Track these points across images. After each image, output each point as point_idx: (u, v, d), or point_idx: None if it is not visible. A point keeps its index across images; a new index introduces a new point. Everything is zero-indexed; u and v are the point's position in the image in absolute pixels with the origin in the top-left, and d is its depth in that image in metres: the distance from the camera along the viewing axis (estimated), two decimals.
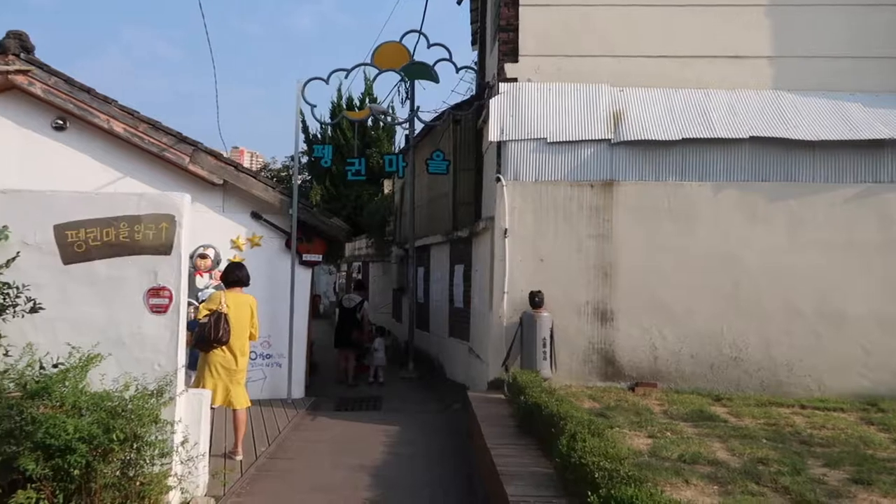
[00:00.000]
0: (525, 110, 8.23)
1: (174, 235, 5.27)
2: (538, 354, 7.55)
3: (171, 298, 5.22)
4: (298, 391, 9.50)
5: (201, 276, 9.07)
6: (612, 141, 7.95)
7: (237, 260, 9.18)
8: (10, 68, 8.40)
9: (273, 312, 9.38)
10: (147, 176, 8.89)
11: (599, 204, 7.91)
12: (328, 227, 9.43)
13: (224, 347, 6.41)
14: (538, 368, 7.48)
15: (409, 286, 14.27)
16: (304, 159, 27.21)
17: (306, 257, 9.50)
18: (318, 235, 9.55)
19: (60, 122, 8.65)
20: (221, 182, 9.00)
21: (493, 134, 8.18)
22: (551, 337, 7.63)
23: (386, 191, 20.28)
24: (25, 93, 8.59)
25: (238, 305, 6.50)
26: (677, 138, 7.78)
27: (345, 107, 23.81)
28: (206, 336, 6.32)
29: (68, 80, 8.54)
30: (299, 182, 25.38)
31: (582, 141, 8.01)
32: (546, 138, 8.06)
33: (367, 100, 19.49)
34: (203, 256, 9.04)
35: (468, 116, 11.75)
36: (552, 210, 7.97)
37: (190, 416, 5.34)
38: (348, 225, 22.12)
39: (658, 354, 7.72)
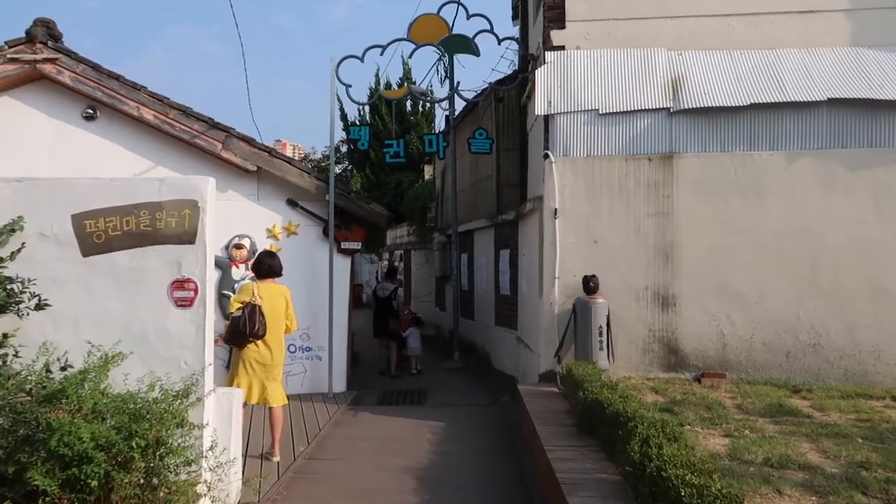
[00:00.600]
0: (574, 80, 7.61)
1: (198, 222, 4.87)
2: (594, 344, 6.97)
3: (196, 291, 4.82)
4: (340, 385, 9.12)
5: (237, 267, 8.77)
6: (672, 109, 7.27)
7: (273, 249, 8.84)
8: (38, 57, 8.14)
9: (312, 303, 9.00)
10: (178, 164, 8.56)
11: (658, 179, 7.26)
12: (367, 213, 8.99)
13: (259, 342, 6.02)
14: (594, 359, 6.91)
15: (451, 273, 13.77)
16: (344, 148, 26.99)
17: (345, 245, 9.07)
18: (356, 222, 9.11)
19: (90, 111, 8.38)
20: (255, 169, 8.62)
21: (539, 107, 7.59)
22: (608, 325, 7.04)
23: (426, 177, 19.79)
24: (54, 82, 8.33)
25: (272, 296, 6.10)
26: (745, 104, 7.06)
27: (382, 90, 23.41)
28: (241, 330, 5.94)
29: (96, 68, 8.25)
30: (338, 171, 25.13)
31: (637, 111, 7.35)
32: (598, 110, 7.42)
33: (405, 82, 18.94)
34: (238, 247, 8.71)
35: (511, 93, 11.15)
36: (606, 187, 7.34)
37: (219, 419, 4.95)
38: (389, 213, 21.92)
39: (726, 342, 7.05)
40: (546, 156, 7.54)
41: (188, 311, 4.80)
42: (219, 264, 8.72)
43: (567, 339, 7.21)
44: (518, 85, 10.76)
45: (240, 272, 8.76)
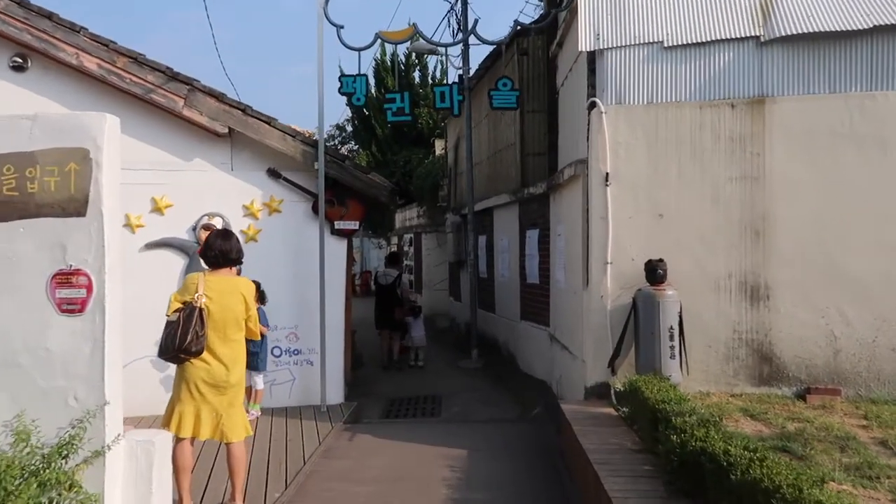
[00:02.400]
0: (629, 5, 5.84)
1: (89, 183, 3.20)
2: (662, 350, 5.27)
3: (90, 288, 3.17)
4: (336, 394, 7.48)
5: None
6: (763, 38, 5.50)
7: (251, 231, 7.19)
8: None
9: (300, 297, 7.35)
10: (131, 126, 6.89)
11: (745, 131, 5.51)
12: (365, 185, 7.30)
13: (208, 355, 4.36)
14: (663, 370, 5.21)
15: (468, 258, 12.07)
16: (349, 128, 25.28)
17: (339, 225, 7.40)
18: (353, 197, 7.43)
19: (19, 59, 6.71)
20: (226, 131, 6.94)
21: (584, 40, 5.83)
22: (680, 325, 5.34)
23: (438, 152, 18.05)
24: None
25: (224, 294, 4.44)
26: (863, 27, 5.28)
27: (388, 63, 21.63)
28: (170, 344, 4.27)
29: (23, 4, 6.58)
30: (345, 151, 23.43)
31: (716, 41, 5.59)
32: (662, 42, 5.67)
33: (411, 40, 16.94)
34: (208, 228, 7.03)
35: (536, 43, 9.38)
36: (674, 144, 5.61)
37: (135, 480, 3.31)
38: (393, 184, 20.16)
39: (840, 346, 5.33)
40: (593, 105, 5.80)
41: (78, 319, 3.16)
42: (184, 249, 7.09)
43: (625, 344, 5.52)
44: (546, 31, 9.00)
45: None
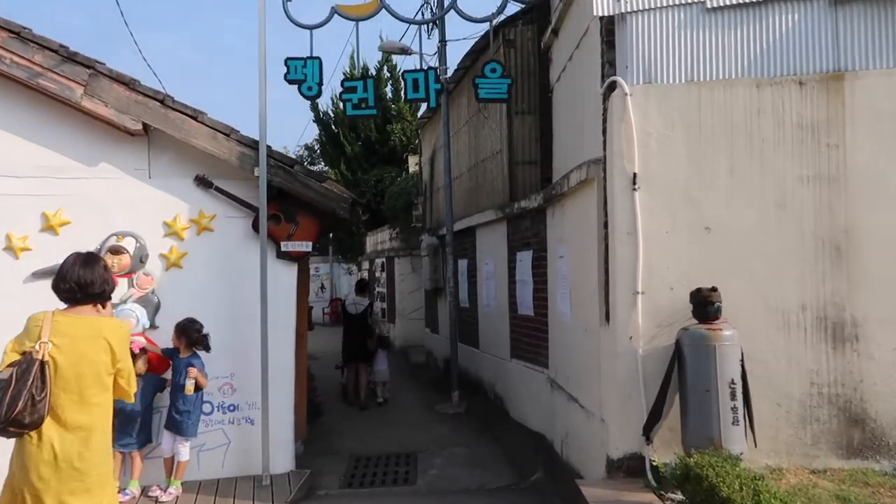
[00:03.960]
0: None
1: None
2: (721, 412, 3.84)
3: None
4: (283, 461, 5.90)
5: (115, 284, 5.50)
6: None
7: (173, 254, 5.68)
8: None
9: (238, 337, 5.81)
10: (13, 120, 5.37)
11: (818, 117, 4.17)
12: (319, 195, 5.81)
13: (54, 426, 2.94)
14: (723, 440, 3.78)
15: (446, 285, 10.60)
16: (314, 142, 23.76)
17: (287, 246, 5.89)
18: (305, 211, 5.93)
19: None
20: (140, 127, 5.42)
21: (599, 3, 4.47)
22: (743, 377, 3.92)
23: (411, 168, 16.65)
24: None
25: (79, 340, 3.05)
26: None
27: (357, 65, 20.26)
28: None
29: None
30: (315, 169, 22.00)
31: (776, 0, 4.27)
32: (704, 1, 4.33)
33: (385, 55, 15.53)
34: (116, 252, 5.51)
35: (525, 33, 8.06)
36: (723, 134, 4.25)
37: None
38: (369, 215, 18.61)
39: None
40: (612, 87, 4.42)
41: None
42: None
43: (665, 401, 4.08)
44: (536, 21, 7.70)
45: (119, 290, 5.53)
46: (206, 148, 5.57)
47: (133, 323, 5.46)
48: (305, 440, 7.00)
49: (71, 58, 5.29)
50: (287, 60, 5.84)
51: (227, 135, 5.63)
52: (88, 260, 3.23)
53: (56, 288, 3.19)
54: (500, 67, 5.94)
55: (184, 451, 5.41)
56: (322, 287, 23.81)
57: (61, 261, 5.35)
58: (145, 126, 5.50)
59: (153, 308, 5.63)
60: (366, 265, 20.29)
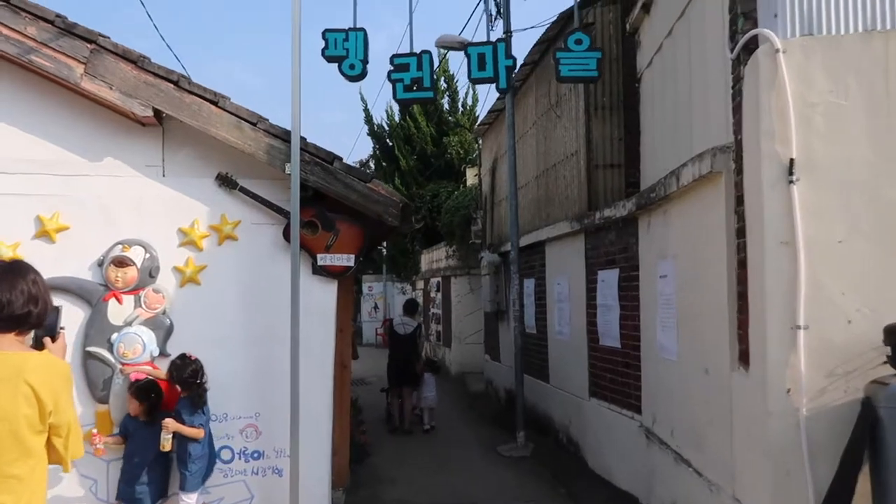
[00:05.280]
0: None
1: None
2: None
3: None
4: None
5: (119, 300, 4.60)
6: None
7: (189, 267, 4.72)
8: None
9: (264, 370, 4.78)
10: (4, 107, 4.51)
11: None
12: (364, 197, 4.76)
13: None
14: None
15: (509, 308, 9.46)
16: (373, 163, 23.00)
17: (324, 259, 4.85)
18: (347, 218, 4.89)
19: None
20: (150, 113, 4.49)
21: None
22: None
23: (469, 181, 15.59)
24: None
25: None
26: None
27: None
28: None
29: None
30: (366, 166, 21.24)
31: None
32: None
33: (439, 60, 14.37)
34: (120, 264, 4.56)
35: (606, 16, 6.93)
36: None
37: None
38: (423, 231, 17.58)
39: None
40: (751, 46, 3.24)
41: None
42: (83, 295, 4.59)
43: (850, 485, 2.81)
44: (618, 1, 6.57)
45: (125, 310, 4.60)
46: (228, 139, 4.59)
47: (138, 350, 4.51)
48: (347, 488, 5.93)
49: (69, 30, 4.40)
50: (325, 33, 4.83)
51: (254, 123, 4.64)
52: (8, 270, 2.25)
53: None
54: (588, 39, 4.79)
55: None
56: (375, 307, 22.90)
57: (61, 273, 4.55)
58: (158, 114, 4.57)
59: (164, 332, 4.66)
60: (421, 285, 19.28)
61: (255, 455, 4.82)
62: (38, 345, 2.55)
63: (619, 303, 5.89)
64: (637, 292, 5.49)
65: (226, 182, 4.78)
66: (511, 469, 7.15)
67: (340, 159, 4.85)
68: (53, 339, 2.55)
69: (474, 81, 5.01)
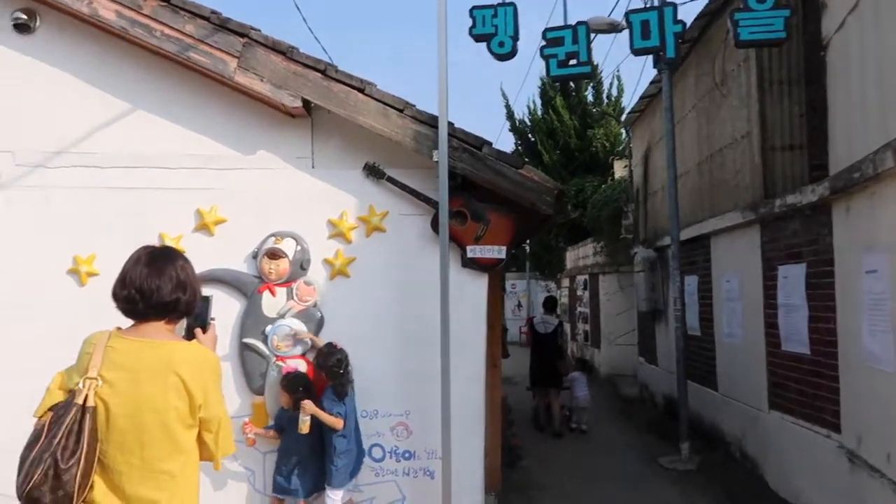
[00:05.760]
0: None
1: None
2: None
3: None
4: None
5: (272, 293, 4.59)
6: None
7: (339, 260, 4.63)
8: None
9: (415, 366, 4.60)
10: (165, 101, 4.64)
11: None
12: (517, 185, 4.43)
13: (109, 499, 1.95)
14: None
15: (668, 307, 8.77)
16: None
17: (474, 251, 4.57)
18: (497, 207, 4.59)
19: (23, 17, 4.71)
20: (299, 104, 4.43)
21: None
22: None
23: (618, 174, 14.83)
24: None
25: (142, 375, 2.02)
26: None
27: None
28: (18, 482, 1.87)
29: None
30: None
31: None
32: None
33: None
34: (273, 256, 4.55)
35: None
36: None
37: None
38: (569, 227, 16.96)
39: None
40: None
41: None
42: (240, 287, 4.62)
43: None
44: None
45: (278, 302, 4.58)
46: (375, 126, 4.43)
47: (289, 343, 4.46)
48: (499, 493, 5.65)
49: (223, 25, 4.44)
50: (473, 11, 4.54)
51: (401, 110, 4.46)
52: (157, 256, 2.15)
53: (114, 296, 2.11)
54: None
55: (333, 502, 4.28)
56: (519, 305, 22.53)
57: (218, 265, 4.61)
58: (306, 106, 4.51)
59: (315, 324, 4.59)
60: (566, 283, 18.69)
61: (407, 455, 4.64)
62: (189, 335, 2.46)
63: (807, 302, 5.12)
64: (831, 290, 4.73)
65: (373, 172, 4.64)
66: (675, 484, 6.52)
67: (490, 144, 4.55)
68: (204, 330, 2.44)
69: (637, 52, 4.49)
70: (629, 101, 21.05)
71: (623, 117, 14.33)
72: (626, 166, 13.26)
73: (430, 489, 4.58)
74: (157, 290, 2.07)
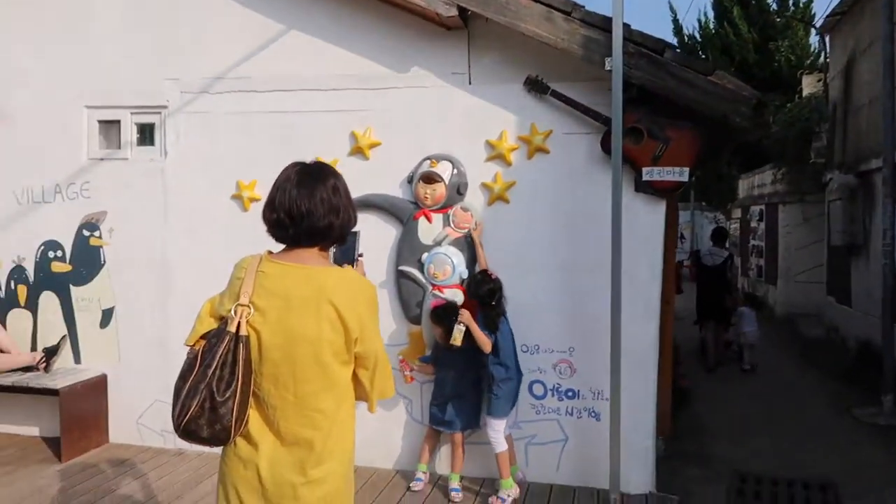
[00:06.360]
0: None
1: None
2: None
3: None
4: (640, 477, 4.23)
5: (428, 219, 4.38)
6: None
7: (497, 184, 4.31)
8: None
9: (580, 300, 4.23)
10: (315, 22, 4.44)
11: None
12: (705, 94, 3.79)
13: (260, 437, 1.83)
14: None
15: (869, 241, 7.62)
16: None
17: (651, 174, 4.03)
18: (679, 122, 3.98)
19: None
20: (455, 13, 4.04)
21: None
22: None
23: (806, 91, 13.08)
24: None
25: (293, 303, 1.83)
26: None
27: None
28: (175, 408, 1.74)
29: None
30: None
31: None
32: None
33: None
34: (429, 180, 4.30)
35: None
36: None
37: None
38: (757, 93, 15.41)
39: None
40: None
41: None
42: (395, 213, 4.45)
43: None
44: None
45: (434, 229, 4.37)
46: (539, 34, 3.95)
47: (448, 271, 4.23)
48: (668, 438, 5.22)
49: None
50: None
51: (568, 13, 3.93)
52: (309, 175, 1.89)
53: (263, 219, 1.91)
54: None
55: (494, 436, 4.07)
56: (681, 237, 21.18)
57: (371, 190, 4.44)
58: (462, 15, 4.11)
59: (473, 253, 4.34)
60: (737, 213, 17.19)
61: (570, 394, 4.33)
62: None
63: None
64: None
65: (535, 86, 4.19)
66: (875, 439, 5.73)
67: (673, 48, 3.92)
68: (352, 267, 2.21)
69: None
70: (824, 5, 18.53)
71: (817, 22, 12.51)
72: (819, 80, 11.61)
73: (594, 431, 4.28)
74: (308, 214, 1.84)
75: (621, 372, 3.86)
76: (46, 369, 4.74)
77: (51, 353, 4.77)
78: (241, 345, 1.77)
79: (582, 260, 4.19)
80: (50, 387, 4.54)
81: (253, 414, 1.83)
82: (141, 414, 4.85)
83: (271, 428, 1.83)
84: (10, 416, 5.07)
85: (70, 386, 4.60)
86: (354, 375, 1.91)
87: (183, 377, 1.78)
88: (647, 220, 4.12)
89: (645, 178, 4.04)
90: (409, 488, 4.23)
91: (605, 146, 4.02)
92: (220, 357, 1.74)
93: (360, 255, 2.36)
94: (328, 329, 1.79)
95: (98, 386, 4.83)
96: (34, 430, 5.07)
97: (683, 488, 4.47)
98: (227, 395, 1.73)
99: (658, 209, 4.13)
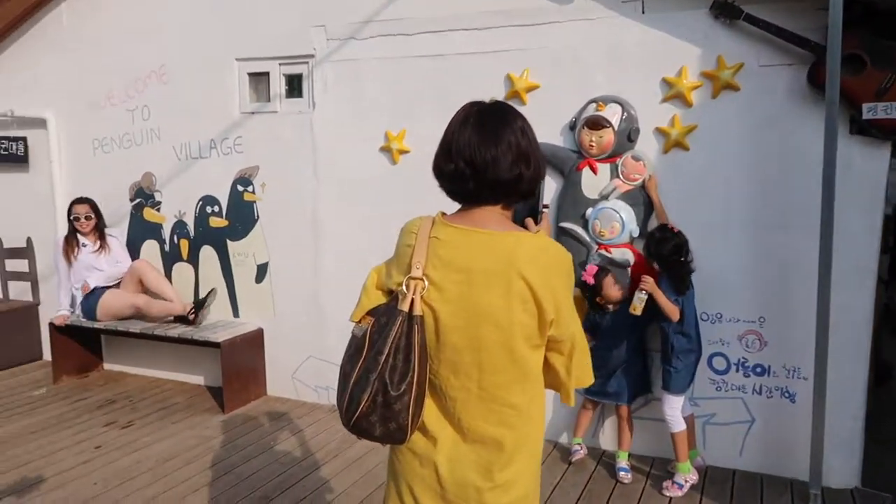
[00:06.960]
0: None
1: None
2: None
3: None
4: (844, 470, 3.64)
5: (594, 170, 3.92)
6: None
7: (675, 129, 3.74)
8: None
9: (774, 262, 3.63)
10: None
11: None
12: None
13: (440, 431, 1.55)
14: None
15: None
16: None
17: (875, 111, 3.29)
18: None
19: None
20: None
21: None
22: None
23: None
24: None
25: (475, 277, 1.48)
26: None
27: None
28: (339, 398, 1.48)
29: None
30: None
31: None
32: None
33: None
34: (595, 125, 3.83)
35: None
36: None
37: None
38: None
39: None
40: None
41: None
42: (556, 163, 4.03)
43: None
44: None
45: (600, 181, 3.90)
46: None
47: (616, 228, 3.78)
48: (865, 417, 4.50)
49: None
50: None
51: None
52: (491, 117, 1.53)
53: (436, 171, 1.58)
54: None
55: (671, 414, 3.61)
56: None
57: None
58: None
59: (644, 208, 3.84)
60: None
61: (759, 370, 3.77)
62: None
63: None
64: None
65: (725, 11, 3.54)
66: None
67: None
68: (536, 221, 1.83)
69: None
70: None
71: None
72: None
73: (788, 414, 3.72)
74: (493, 162, 1.49)
75: (830, 349, 3.25)
76: (195, 321, 4.85)
77: (199, 305, 4.88)
78: (417, 326, 1.48)
79: (778, 216, 3.56)
80: (212, 340, 4.64)
81: (429, 403, 1.55)
82: (296, 369, 4.87)
83: (451, 421, 1.55)
84: (179, 366, 5.30)
85: (230, 339, 4.67)
86: (546, 361, 1.58)
87: (350, 360, 1.52)
88: (864, 167, 3.41)
89: (866, 115, 3.31)
90: (570, 462, 3.92)
91: (814, 79, 3.34)
92: (392, 341, 1.46)
93: (546, 207, 1.98)
94: (520, 309, 1.46)
95: (255, 340, 4.89)
96: (199, 380, 5.26)
97: (893, 484, 3.81)
98: (402, 389, 1.45)
99: (881, 155, 3.40)
